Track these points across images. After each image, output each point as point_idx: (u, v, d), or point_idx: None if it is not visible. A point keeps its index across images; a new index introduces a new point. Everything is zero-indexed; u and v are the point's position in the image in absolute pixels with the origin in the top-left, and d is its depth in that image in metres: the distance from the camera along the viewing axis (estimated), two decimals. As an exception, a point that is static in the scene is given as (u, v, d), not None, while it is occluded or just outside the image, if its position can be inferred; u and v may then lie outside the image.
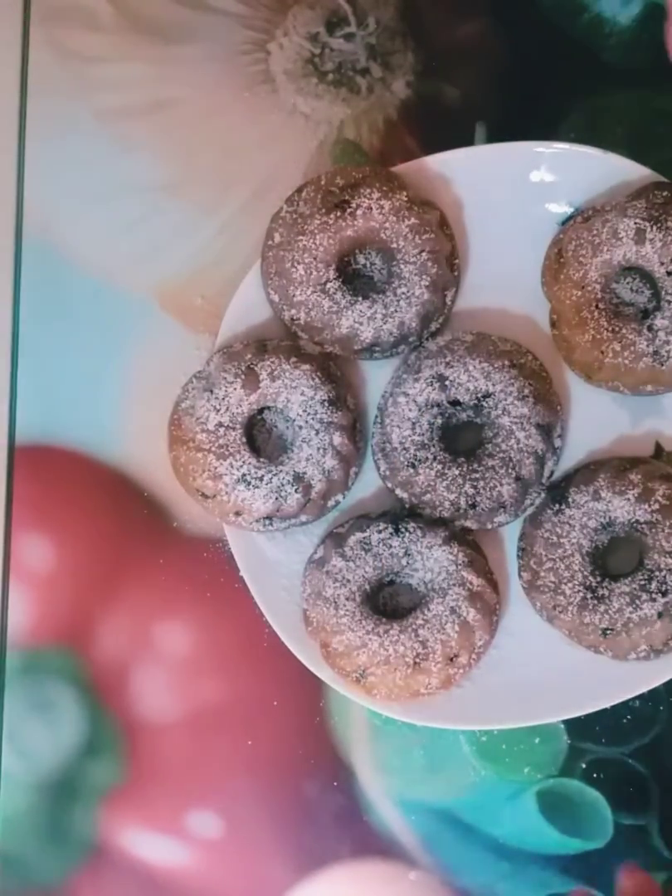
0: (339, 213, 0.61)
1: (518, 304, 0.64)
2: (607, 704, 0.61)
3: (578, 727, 0.61)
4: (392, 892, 0.61)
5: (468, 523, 0.62)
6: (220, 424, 0.61)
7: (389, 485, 0.62)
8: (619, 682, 0.61)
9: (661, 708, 0.62)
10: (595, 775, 0.62)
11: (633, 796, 0.62)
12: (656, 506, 0.59)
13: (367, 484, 0.64)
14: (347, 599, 0.60)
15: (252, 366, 0.61)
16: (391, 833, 0.62)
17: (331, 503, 0.63)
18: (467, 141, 0.64)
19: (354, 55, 0.66)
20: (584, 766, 0.62)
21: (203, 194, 0.65)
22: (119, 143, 0.64)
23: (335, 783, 0.62)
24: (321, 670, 0.61)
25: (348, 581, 0.60)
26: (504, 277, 0.64)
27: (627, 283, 0.61)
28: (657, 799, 0.62)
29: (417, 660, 0.59)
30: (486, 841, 0.57)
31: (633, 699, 0.60)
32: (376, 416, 0.63)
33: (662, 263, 0.59)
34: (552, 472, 0.62)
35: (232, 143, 0.66)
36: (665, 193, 0.59)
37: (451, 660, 0.60)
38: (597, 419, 0.63)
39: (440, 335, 0.63)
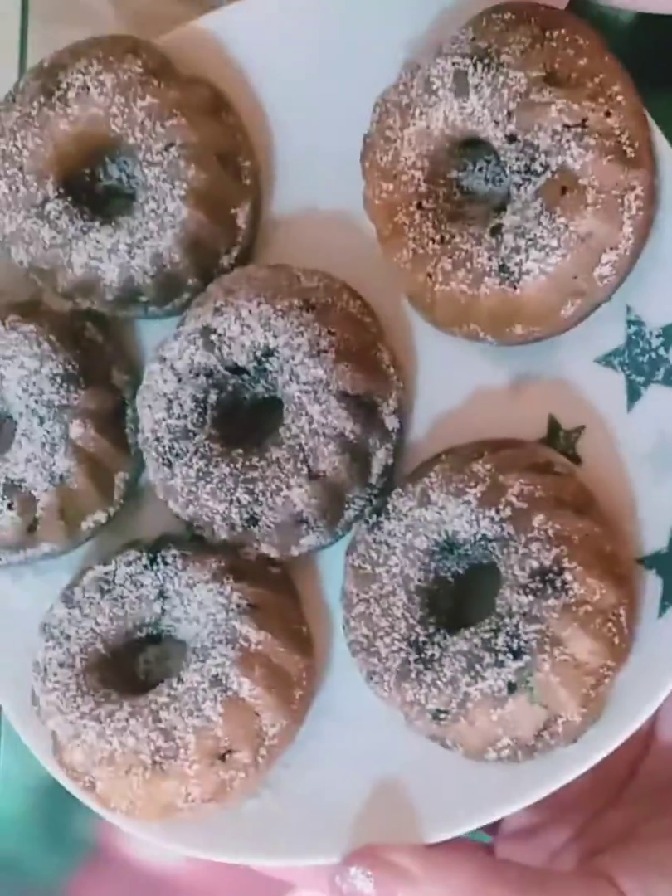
0: (44, 100, 0.42)
1: (350, 218, 0.42)
2: (470, 828, 0.38)
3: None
4: None
5: (264, 548, 0.41)
6: None
7: (160, 495, 0.42)
8: (485, 792, 0.38)
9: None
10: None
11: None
12: (508, 512, 0.37)
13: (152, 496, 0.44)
14: (62, 665, 0.40)
15: None
16: None
17: (86, 525, 0.43)
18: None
19: None
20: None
21: None
22: None
23: None
24: (56, 770, 0.41)
25: (67, 638, 0.41)
26: (328, 183, 0.43)
27: (480, 169, 0.39)
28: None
29: (158, 758, 0.39)
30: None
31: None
32: (141, 396, 0.43)
33: (497, 123, 0.36)
34: (387, 467, 0.40)
35: None
36: (507, 15, 0.37)
37: (222, 758, 0.39)
38: (459, 385, 0.41)
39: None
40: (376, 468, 0.40)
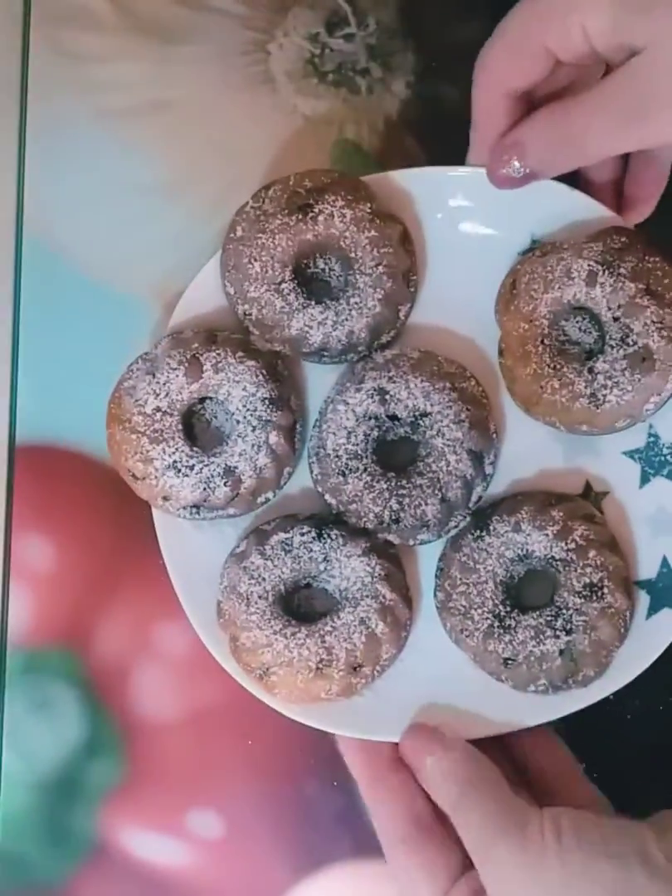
0: (300, 216, 0.61)
1: (469, 327, 0.64)
2: (502, 732, 0.61)
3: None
4: (392, 893, 0.59)
5: (391, 537, 0.62)
6: (158, 409, 0.62)
7: (319, 489, 0.63)
8: (516, 711, 0.61)
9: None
10: (593, 775, 0.61)
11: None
12: (573, 545, 0.60)
13: (299, 486, 0.64)
14: (260, 597, 0.61)
15: (197, 355, 0.62)
16: None
17: (260, 499, 0.63)
18: (466, 142, 0.62)
19: (354, 55, 0.67)
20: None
21: (203, 195, 0.66)
22: (119, 143, 0.64)
23: (335, 783, 0.62)
24: (228, 663, 0.62)
25: (264, 579, 0.61)
26: (459, 300, 0.64)
27: (576, 322, 0.62)
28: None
29: (320, 665, 0.60)
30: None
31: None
32: (316, 421, 0.64)
33: (610, 308, 0.59)
34: (480, 498, 0.63)
35: (232, 143, 0.66)
36: (623, 239, 0.60)
37: (355, 669, 0.61)
38: (530, 451, 0.64)
39: (389, 348, 0.64)
40: (474, 497, 0.63)
